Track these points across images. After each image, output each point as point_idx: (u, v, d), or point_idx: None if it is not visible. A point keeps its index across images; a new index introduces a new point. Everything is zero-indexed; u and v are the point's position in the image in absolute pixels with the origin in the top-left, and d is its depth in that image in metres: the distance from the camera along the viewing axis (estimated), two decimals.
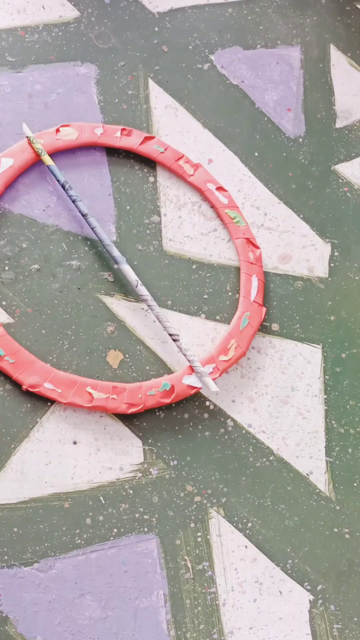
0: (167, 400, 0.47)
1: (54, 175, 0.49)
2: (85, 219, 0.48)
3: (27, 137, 0.50)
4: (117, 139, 0.51)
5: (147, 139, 0.52)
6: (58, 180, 0.49)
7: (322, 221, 0.54)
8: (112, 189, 0.51)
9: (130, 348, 0.48)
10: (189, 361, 0.47)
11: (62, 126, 0.51)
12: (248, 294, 0.50)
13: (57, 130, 0.51)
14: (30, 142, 0.49)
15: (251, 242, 0.51)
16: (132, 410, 0.46)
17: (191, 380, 0.47)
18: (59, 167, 0.51)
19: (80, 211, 0.49)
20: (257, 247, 0.52)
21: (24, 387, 0.45)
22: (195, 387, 0.47)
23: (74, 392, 0.46)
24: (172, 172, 0.52)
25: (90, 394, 0.46)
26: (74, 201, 0.49)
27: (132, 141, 0.52)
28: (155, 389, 0.47)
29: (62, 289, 0.48)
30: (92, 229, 0.48)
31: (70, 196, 0.49)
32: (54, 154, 0.51)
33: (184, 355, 0.47)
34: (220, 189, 0.52)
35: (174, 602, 0.45)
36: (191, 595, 0.45)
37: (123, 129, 0.52)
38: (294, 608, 0.46)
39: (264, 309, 0.50)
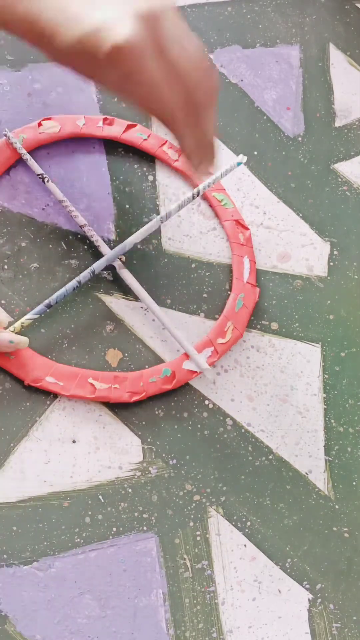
0: (169, 386, 0.47)
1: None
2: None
3: (5, 136, 0.50)
4: (100, 129, 0.51)
5: (129, 127, 0.52)
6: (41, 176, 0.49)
7: (322, 220, 0.54)
8: (111, 188, 0.51)
9: (129, 347, 0.48)
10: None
11: (44, 119, 0.51)
12: (240, 275, 0.50)
13: (40, 124, 0.50)
14: (8, 142, 0.49)
15: (240, 224, 0.51)
16: (134, 398, 0.46)
17: (191, 365, 0.47)
18: (58, 165, 0.51)
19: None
20: (247, 228, 0.51)
21: (26, 382, 0.45)
22: (195, 372, 0.47)
23: (76, 384, 0.46)
24: (158, 159, 0.52)
25: (92, 385, 0.46)
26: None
27: (115, 130, 0.52)
28: (156, 376, 0.47)
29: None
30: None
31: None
32: (39, 148, 0.51)
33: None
34: None
35: (173, 600, 0.45)
36: (190, 594, 0.45)
37: (105, 119, 0.51)
38: (293, 607, 0.46)
39: (258, 290, 0.50)
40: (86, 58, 0.38)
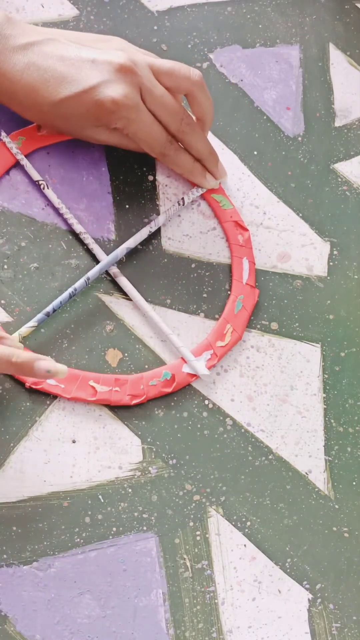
0: (169, 390, 0.47)
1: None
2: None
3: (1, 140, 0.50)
4: None
5: None
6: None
7: (321, 220, 0.54)
8: (111, 188, 0.51)
9: (129, 347, 0.48)
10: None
11: None
12: (240, 277, 0.50)
13: (39, 126, 0.50)
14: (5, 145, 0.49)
15: (239, 225, 0.51)
16: (135, 401, 0.46)
17: (190, 369, 0.47)
18: (58, 165, 0.51)
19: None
20: (246, 230, 0.51)
21: (27, 384, 0.45)
22: (195, 375, 0.47)
23: (77, 386, 0.46)
24: (157, 160, 0.52)
25: (93, 387, 0.46)
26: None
27: None
28: (156, 379, 0.47)
29: (61, 288, 0.48)
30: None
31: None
32: (39, 148, 0.50)
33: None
34: None
35: (173, 600, 0.45)
36: (190, 594, 0.45)
37: None
38: (292, 607, 0.46)
39: (257, 291, 0.50)
40: (89, 111, 0.45)
